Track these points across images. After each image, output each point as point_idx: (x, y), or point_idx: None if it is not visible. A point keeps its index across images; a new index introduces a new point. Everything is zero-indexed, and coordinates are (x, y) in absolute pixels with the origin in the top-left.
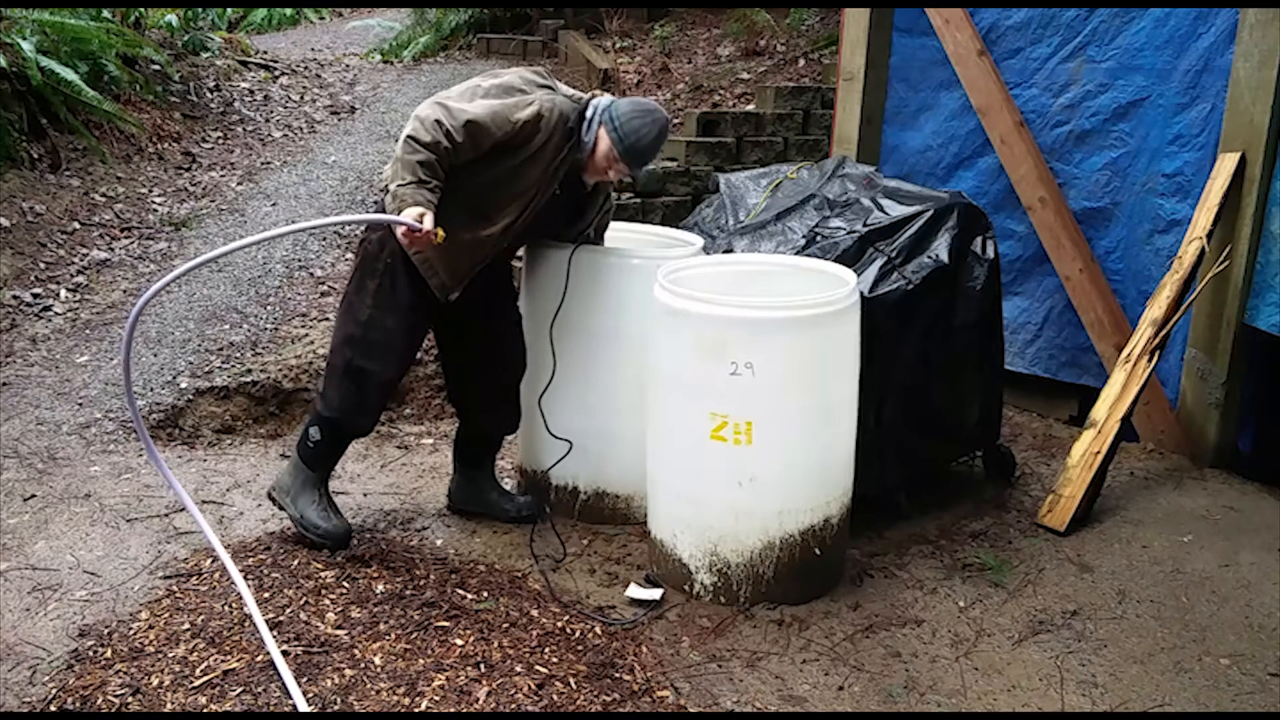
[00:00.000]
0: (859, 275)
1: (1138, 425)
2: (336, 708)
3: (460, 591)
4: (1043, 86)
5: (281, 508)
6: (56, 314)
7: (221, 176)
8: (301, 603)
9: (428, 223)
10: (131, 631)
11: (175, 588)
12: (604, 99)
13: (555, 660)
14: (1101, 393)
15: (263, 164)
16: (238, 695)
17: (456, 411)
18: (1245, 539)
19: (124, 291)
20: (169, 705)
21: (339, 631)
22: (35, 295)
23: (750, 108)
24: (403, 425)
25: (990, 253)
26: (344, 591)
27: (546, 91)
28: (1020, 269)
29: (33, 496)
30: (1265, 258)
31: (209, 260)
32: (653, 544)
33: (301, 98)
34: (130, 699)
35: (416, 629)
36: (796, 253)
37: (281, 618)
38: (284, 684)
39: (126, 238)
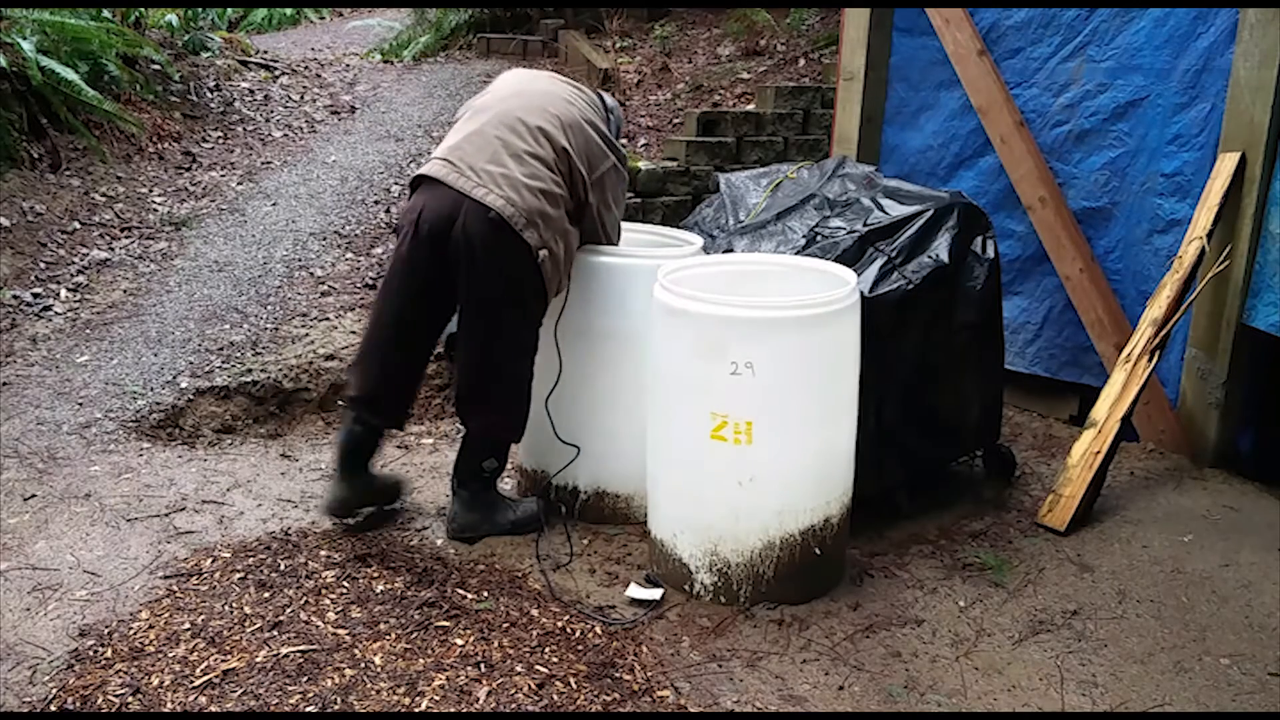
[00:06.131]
0: (859, 275)
1: (1138, 425)
2: (336, 708)
3: (460, 591)
4: (1043, 86)
5: (482, 537)
6: (56, 314)
7: (222, 176)
8: (301, 603)
9: None
10: (131, 631)
11: (175, 588)
12: (610, 101)
13: (555, 660)
14: (1101, 392)
15: (263, 164)
16: (238, 695)
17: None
18: (1245, 539)
19: (124, 291)
20: (169, 705)
21: (339, 631)
22: (35, 295)
23: (750, 108)
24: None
25: (990, 252)
26: (344, 591)
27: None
28: (1020, 269)
29: (33, 496)
30: (1265, 257)
31: None
32: (653, 544)
33: (302, 97)
34: (130, 699)
35: (416, 629)
36: (796, 253)
37: (281, 618)
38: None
39: (127, 237)
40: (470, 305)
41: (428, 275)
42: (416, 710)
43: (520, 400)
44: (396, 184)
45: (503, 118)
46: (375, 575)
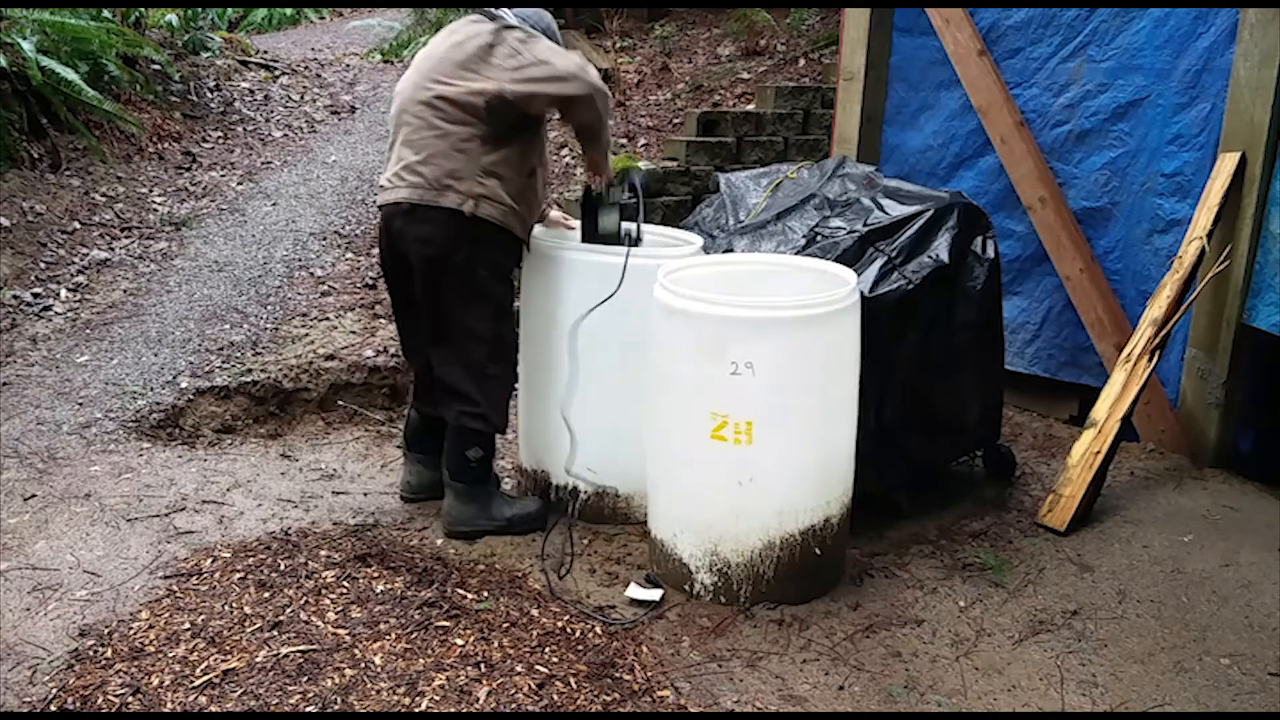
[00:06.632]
0: (859, 275)
1: (1138, 425)
2: (336, 708)
3: (460, 591)
4: (1043, 86)
5: (478, 533)
6: (56, 314)
7: (222, 176)
8: (301, 603)
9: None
10: (131, 631)
11: (175, 588)
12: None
13: (555, 660)
14: (1102, 392)
15: (263, 164)
16: (238, 696)
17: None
18: (1245, 539)
19: (124, 291)
20: (169, 705)
21: (339, 631)
22: (35, 295)
23: (750, 108)
24: (403, 425)
25: (990, 252)
26: (344, 591)
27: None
28: (1020, 269)
29: (33, 496)
30: (1265, 258)
31: None
32: (653, 544)
33: (302, 97)
34: (130, 699)
35: (416, 629)
36: (797, 253)
37: (281, 618)
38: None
39: (127, 237)
40: (424, 297)
41: (405, 290)
42: (416, 710)
43: (489, 385)
44: None
45: (397, 120)
46: (375, 575)
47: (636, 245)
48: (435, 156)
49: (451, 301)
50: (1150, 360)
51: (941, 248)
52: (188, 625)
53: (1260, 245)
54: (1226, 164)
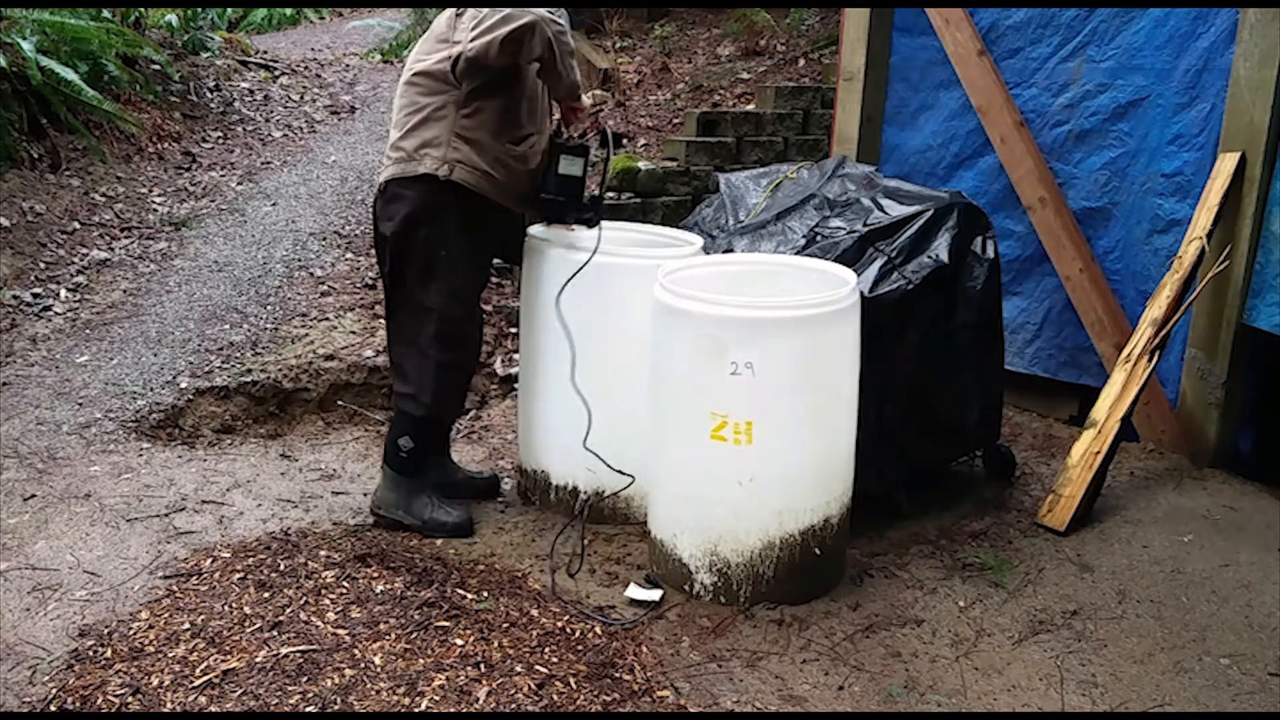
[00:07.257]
0: (859, 275)
1: (1138, 425)
2: (336, 708)
3: (460, 591)
4: (1042, 86)
5: (394, 521)
6: (56, 314)
7: (221, 176)
8: (301, 603)
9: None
10: (131, 631)
11: (175, 588)
12: None
13: (555, 660)
14: (1101, 392)
15: (263, 164)
16: (238, 696)
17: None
18: (1245, 539)
19: (124, 291)
20: (169, 705)
21: (339, 631)
22: (35, 295)
23: (750, 108)
24: None
25: (990, 252)
26: (344, 591)
27: None
28: (1020, 269)
29: (33, 496)
30: (1265, 258)
31: None
32: (653, 544)
33: (301, 97)
34: (130, 699)
35: (416, 629)
36: (796, 253)
37: (281, 618)
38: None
39: (126, 237)
40: (390, 276)
41: None
42: (416, 710)
43: (429, 368)
44: None
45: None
46: (375, 575)
47: (598, 204)
48: (415, 128)
49: (411, 278)
50: (1150, 360)
51: (941, 248)
52: (187, 625)
53: (1260, 245)
54: (1226, 164)
